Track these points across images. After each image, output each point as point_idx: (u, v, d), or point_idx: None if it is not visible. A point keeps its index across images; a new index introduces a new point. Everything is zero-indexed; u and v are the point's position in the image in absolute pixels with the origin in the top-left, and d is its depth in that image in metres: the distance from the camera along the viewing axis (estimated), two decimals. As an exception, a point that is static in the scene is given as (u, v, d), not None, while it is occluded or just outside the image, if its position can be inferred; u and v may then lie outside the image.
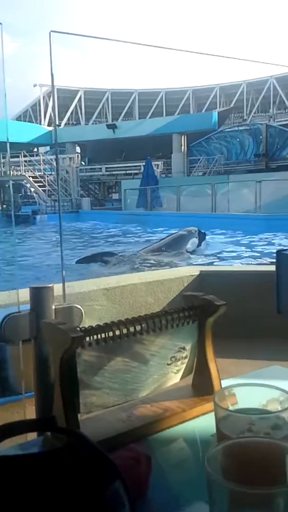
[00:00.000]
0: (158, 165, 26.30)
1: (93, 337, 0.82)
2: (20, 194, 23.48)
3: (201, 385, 1.00)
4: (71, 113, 42.90)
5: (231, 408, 0.69)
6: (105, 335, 0.83)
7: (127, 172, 27.38)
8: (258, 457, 0.53)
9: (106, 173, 28.42)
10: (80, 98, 43.10)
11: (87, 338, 0.81)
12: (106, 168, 28.48)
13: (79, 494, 0.46)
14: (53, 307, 1.10)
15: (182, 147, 27.79)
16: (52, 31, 1.10)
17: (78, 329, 0.79)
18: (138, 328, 0.88)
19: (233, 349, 2.81)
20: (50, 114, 40.22)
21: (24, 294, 1.13)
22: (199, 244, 8.96)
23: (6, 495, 0.46)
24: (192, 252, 8.68)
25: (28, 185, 23.90)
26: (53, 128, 31.37)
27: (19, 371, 2.43)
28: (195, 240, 9.01)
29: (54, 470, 0.47)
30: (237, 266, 7.19)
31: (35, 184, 23.22)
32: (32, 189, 23.40)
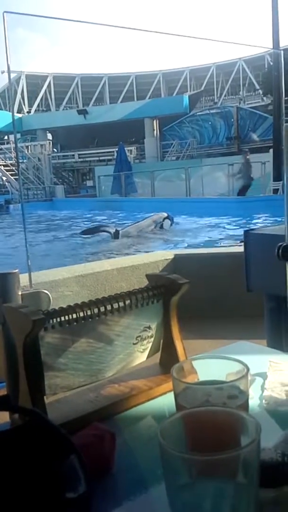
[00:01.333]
0: (131, 150, 26.16)
1: (56, 320, 0.82)
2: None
3: (168, 363, 1.01)
4: (41, 99, 42.12)
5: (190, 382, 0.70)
6: (69, 317, 0.84)
7: (101, 158, 27.17)
8: (213, 426, 0.55)
9: (79, 160, 28.14)
10: (49, 83, 42.31)
11: (51, 321, 0.82)
12: (79, 154, 28.19)
13: (35, 469, 0.47)
14: (20, 293, 1.09)
15: (155, 131, 27.69)
16: (5, 11, 1.08)
17: (40, 311, 0.80)
18: (102, 309, 0.89)
19: (204, 330, 2.85)
20: (20, 100, 39.41)
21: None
22: (171, 225, 11.13)
23: None
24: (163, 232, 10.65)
25: (-1, 174, 23.49)
26: (23, 115, 30.79)
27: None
28: (166, 223, 11.09)
29: (11, 448, 0.48)
30: (209, 248, 7.25)
31: (7, 173, 22.81)
32: (4, 178, 22.99)
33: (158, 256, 4.24)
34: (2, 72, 39.06)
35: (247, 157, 15.58)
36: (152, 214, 11.22)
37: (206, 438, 0.54)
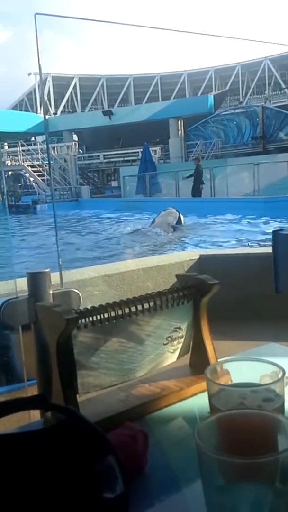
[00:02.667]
0: (155, 150, 26.15)
1: (88, 319, 0.83)
2: (19, 184, 23.40)
3: (198, 364, 1.01)
4: (67, 100, 42.53)
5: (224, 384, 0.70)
6: (100, 316, 0.84)
7: (125, 159, 27.25)
8: (249, 429, 0.54)
9: (104, 160, 28.28)
10: (75, 85, 42.69)
11: (83, 320, 0.82)
12: (104, 155, 28.34)
13: (72, 468, 0.47)
14: (51, 292, 1.10)
15: (179, 131, 27.61)
16: (37, 13, 1.09)
17: (73, 311, 0.80)
18: (133, 309, 0.89)
19: (233, 332, 2.82)
20: (46, 102, 39.89)
21: (23, 283, 1.14)
22: (179, 221, 11.60)
23: (2, 471, 0.47)
24: (176, 228, 11.29)
25: (27, 175, 23.81)
26: (49, 116, 31.16)
27: (21, 359, 2.45)
28: (176, 217, 11.63)
29: (47, 447, 0.48)
30: (236, 249, 7.20)
31: (34, 174, 23.12)
32: (31, 179, 23.31)
33: (184, 256, 4.23)
34: (29, 74, 39.64)
35: (199, 163, 17.60)
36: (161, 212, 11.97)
37: (242, 441, 0.53)
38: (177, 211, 11.86)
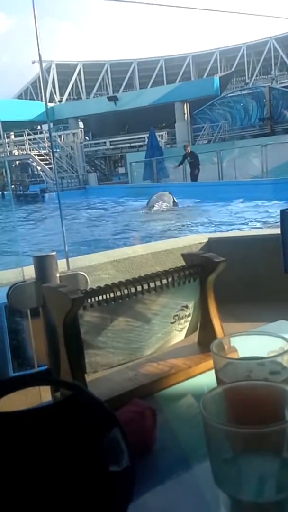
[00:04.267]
0: (162, 135, 25.93)
1: (94, 299, 0.83)
2: (27, 173, 23.40)
3: (206, 342, 1.00)
4: (72, 87, 42.23)
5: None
6: (106, 296, 0.84)
7: (132, 144, 27.08)
8: (256, 400, 0.54)
9: (111, 147, 28.13)
10: (79, 71, 42.32)
11: (89, 300, 0.82)
12: (110, 142, 28.17)
13: (79, 443, 0.47)
14: (58, 275, 1.10)
15: (185, 115, 27.33)
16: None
17: (79, 291, 0.80)
18: (138, 288, 0.89)
19: (241, 314, 2.81)
20: (51, 90, 39.66)
21: (30, 271, 1.13)
22: (174, 203, 12.48)
23: (8, 449, 0.47)
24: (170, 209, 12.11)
25: (34, 164, 23.78)
26: (55, 104, 31.00)
27: (36, 343, 2.48)
28: (170, 199, 12.51)
29: (54, 423, 0.49)
30: (244, 231, 7.15)
31: (41, 163, 23.09)
32: (39, 168, 23.29)
33: (192, 239, 4.20)
34: (33, 62, 39.39)
35: (188, 148, 17.90)
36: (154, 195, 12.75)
37: (248, 412, 0.53)
38: (170, 194, 12.66)
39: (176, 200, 12.58)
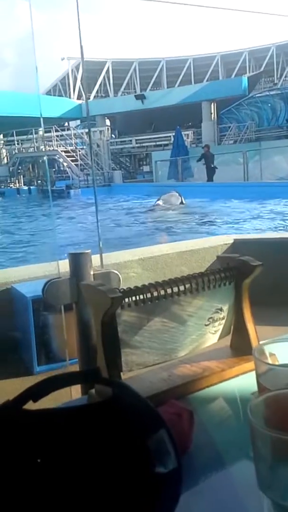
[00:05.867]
0: (188, 134, 25.84)
1: (131, 298, 0.83)
2: (53, 169, 23.66)
3: (239, 345, 1.00)
4: (100, 85, 42.41)
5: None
6: (143, 296, 0.85)
7: (157, 143, 27.07)
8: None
9: (137, 145, 28.18)
10: (108, 69, 42.47)
11: (126, 299, 0.83)
12: (136, 140, 28.22)
13: (124, 443, 0.48)
14: (92, 273, 1.12)
15: (212, 115, 27.16)
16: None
17: (117, 290, 0.81)
18: (175, 289, 0.89)
19: (271, 317, 2.79)
20: (80, 87, 39.91)
21: (65, 265, 1.15)
22: (182, 202, 13.18)
23: (53, 447, 0.48)
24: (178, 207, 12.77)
25: (61, 160, 24.01)
26: (83, 101, 31.20)
27: (62, 338, 2.51)
28: (178, 198, 13.29)
29: (99, 421, 0.49)
30: (271, 233, 7.08)
31: (68, 159, 23.30)
32: (65, 164, 23.50)
33: (218, 240, 4.20)
34: (62, 59, 39.69)
35: (207, 150, 18.40)
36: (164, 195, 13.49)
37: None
38: (179, 194, 13.43)
39: (183, 201, 13.29)
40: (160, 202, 13.25)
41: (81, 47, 1.23)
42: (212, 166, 18.00)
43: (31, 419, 0.48)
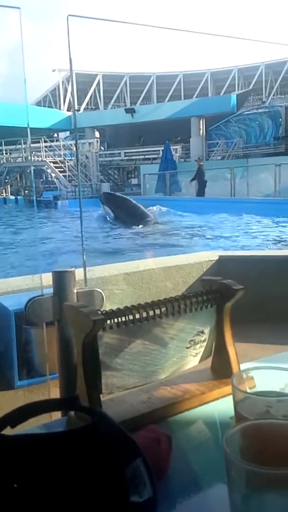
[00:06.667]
0: (176, 149, 26.07)
1: (113, 320, 0.84)
2: (41, 180, 23.63)
3: (219, 368, 1.01)
4: (90, 97, 42.65)
5: (249, 391, 0.70)
6: (125, 318, 0.85)
7: (146, 156, 27.25)
8: (276, 439, 0.54)
9: (125, 158, 28.33)
10: (98, 82, 42.76)
11: (108, 321, 0.83)
12: (125, 153, 28.38)
13: (100, 471, 0.48)
14: (75, 291, 1.12)
15: (201, 130, 27.48)
16: (70, 15, 1.10)
17: (99, 312, 0.81)
18: (157, 311, 0.89)
19: (253, 334, 2.81)
20: (70, 99, 40.08)
21: (47, 278, 1.15)
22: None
23: (29, 473, 0.48)
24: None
25: (49, 171, 24.00)
26: (72, 113, 31.35)
27: (43, 353, 2.50)
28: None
29: (76, 449, 0.49)
30: (256, 251, 7.14)
31: (56, 170, 23.30)
32: (53, 175, 23.50)
33: (203, 256, 4.22)
34: (53, 71, 39.88)
35: (200, 163, 18.44)
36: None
37: (269, 450, 0.53)
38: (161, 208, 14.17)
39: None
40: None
41: (70, 60, 1.25)
42: (204, 180, 18.06)
43: (8, 444, 0.49)
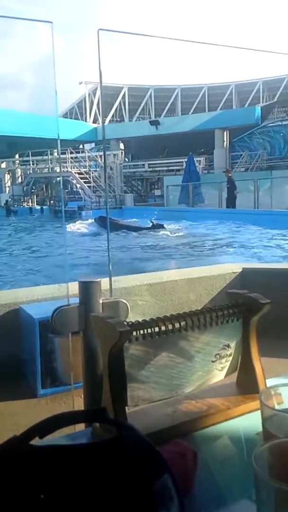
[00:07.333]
0: (200, 161, 26.09)
1: (139, 332, 0.84)
2: (66, 190, 23.96)
3: (245, 383, 1.00)
4: (115, 109, 43.15)
5: (277, 407, 0.69)
6: (151, 330, 0.85)
7: (170, 168, 27.35)
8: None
9: (149, 169, 28.49)
10: (124, 95, 43.27)
11: (134, 333, 0.83)
12: (149, 164, 28.54)
13: (128, 486, 0.48)
14: (101, 301, 1.12)
15: (225, 142, 27.46)
16: (100, 29, 1.12)
17: (126, 323, 0.81)
18: (183, 324, 0.89)
19: (278, 349, 2.76)
20: (95, 111, 40.62)
21: (73, 287, 1.16)
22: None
23: (57, 484, 0.48)
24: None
25: (74, 181, 24.31)
26: (98, 125, 31.76)
27: (66, 362, 2.50)
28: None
29: (104, 461, 0.49)
30: (280, 264, 7.06)
31: (81, 181, 23.58)
32: (78, 185, 23.79)
33: (226, 268, 4.19)
34: (80, 83, 40.51)
35: (229, 174, 18.36)
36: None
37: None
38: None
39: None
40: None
41: (100, 73, 1.26)
42: (236, 191, 17.75)
43: (37, 455, 0.49)
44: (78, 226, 15.03)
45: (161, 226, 14.40)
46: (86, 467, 0.49)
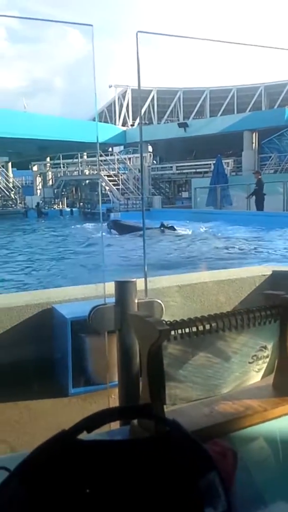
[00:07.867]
0: (228, 163, 25.86)
1: (178, 331, 0.84)
2: (95, 193, 24.19)
3: (282, 385, 0.99)
4: (144, 112, 43.25)
5: None
6: (189, 329, 0.85)
7: (197, 170, 27.23)
8: None
9: (177, 171, 28.45)
10: (153, 97, 43.34)
11: (172, 332, 0.84)
12: (176, 166, 28.50)
13: (176, 481, 0.48)
14: (136, 301, 1.13)
15: (253, 144, 27.15)
16: (139, 31, 1.13)
17: (165, 322, 0.82)
18: (220, 324, 0.89)
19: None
20: (125, 114, 40.82)
21: (109, 287, 1.18)
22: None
23: (104, 479, 0.49)
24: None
25: (103, 184, 24.52)
26: (127, 128, 31.97)
27: (97, 362, 2.52)
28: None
29: (152, 457, 0.50)
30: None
31: (110, 183, 23.77)
32: (107, 188, 23.98)
33: (256, 271, 4.14)
34: (110, 87, 40.84)
35: (259, 176, 17.78)
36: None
37: None
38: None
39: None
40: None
41: (139, 76, 1.27)
42: (263, 193, 17.46)
43: (84, 450, 0.50)
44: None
45: (172, 228, 14.31)
46: (132, 462, 0.50)
